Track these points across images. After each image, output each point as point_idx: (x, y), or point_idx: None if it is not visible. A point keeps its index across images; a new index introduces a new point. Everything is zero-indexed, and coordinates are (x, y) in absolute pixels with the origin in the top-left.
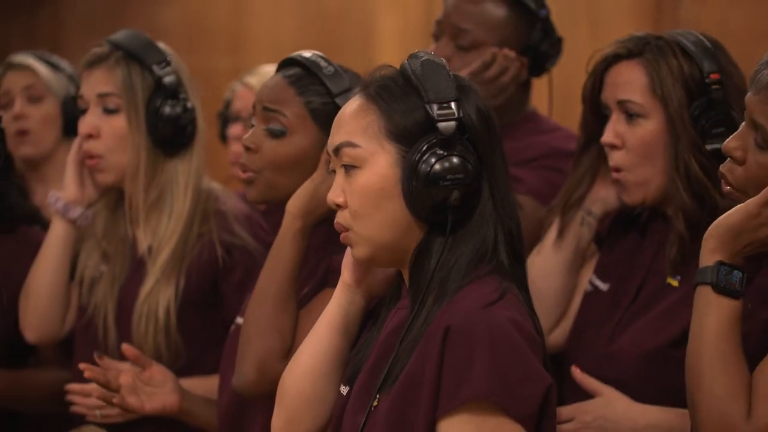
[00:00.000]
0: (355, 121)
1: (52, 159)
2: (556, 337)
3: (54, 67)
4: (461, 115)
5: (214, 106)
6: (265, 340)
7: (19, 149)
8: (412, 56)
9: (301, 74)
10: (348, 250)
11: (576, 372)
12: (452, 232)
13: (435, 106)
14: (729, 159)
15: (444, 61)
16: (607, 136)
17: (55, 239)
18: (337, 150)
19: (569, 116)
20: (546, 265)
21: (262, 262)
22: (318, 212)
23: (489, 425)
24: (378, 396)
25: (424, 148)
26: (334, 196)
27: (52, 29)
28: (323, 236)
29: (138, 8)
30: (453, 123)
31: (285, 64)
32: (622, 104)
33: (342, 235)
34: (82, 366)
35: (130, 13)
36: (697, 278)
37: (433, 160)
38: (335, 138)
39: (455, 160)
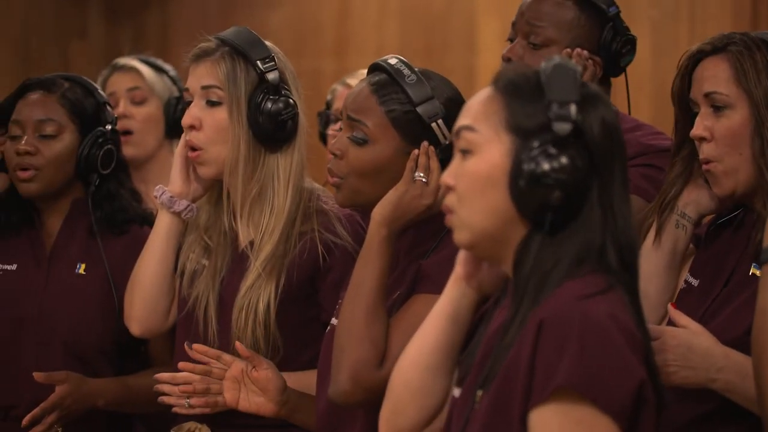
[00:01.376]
0: (480, 107)
1: (154, 159)
2: None
3: (158, 69)
4: (579, 119)
5: (319, 107)
6: (358, 349)
7: (123, 149)
8: (548, 59)
9: (385, 81)
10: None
11: (671, 307)
12: (551, 232)
13: (555, 106)
14: None
15: (578, 68)
16: (696, 129)
17: (161, 232)
18: (458, 132)
19: (669, 120)
20: (646, 266)
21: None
22: (402, 221)
23: (576, 416)
24: (480, 393)
25: (536, 144)
26: (447, 177)
27: (160, 34)
28: (411, 241)
29: (245, 11)
30: (568, 124)
31: (372, 69)
32: (708, 97)
33: (447, 218)
34: (180, 365)
35: (237, 17)
36: (763, 257)
37: (541, 157)
38: (459, 121)
39: (563, 160)
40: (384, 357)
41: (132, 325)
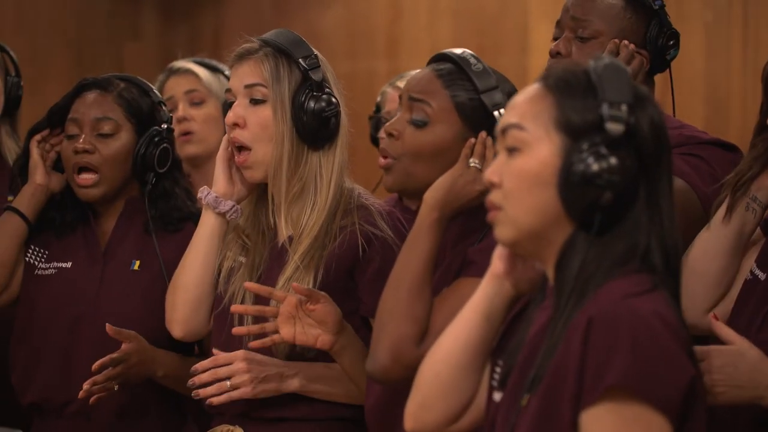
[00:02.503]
0: (528, 105)
1: (214, 159)
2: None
3: (213, 69)
4: (632, 120)
5: (371, 108)
6: (399, 325)
7: (184, 149)
8: (598, 58)
9: (450, 69)
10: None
11: (713, 320)
12: (599, 233)
13: (607, 106)
14: None
15: (628, 68)
16: None
17: (205, 233)
18: (504, 130)
19: (722, 121)
20: (709, 244)
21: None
22: (455, 205)
23: (630, 414)
24: (527, 396)
25: (587, 145)
26: (491, 174)
27: (214, 34)
28: (460, 227)
29: (298, 12)
30: (621, 125)
31: (436, 59)
32: None
33: (490, 214)
34: (233, 308)
35: (290, 18)
36: None
37: (592, 158)
38: (505, 118)
39: (614, 161)
40: (424, 335)
41: (173, 328)
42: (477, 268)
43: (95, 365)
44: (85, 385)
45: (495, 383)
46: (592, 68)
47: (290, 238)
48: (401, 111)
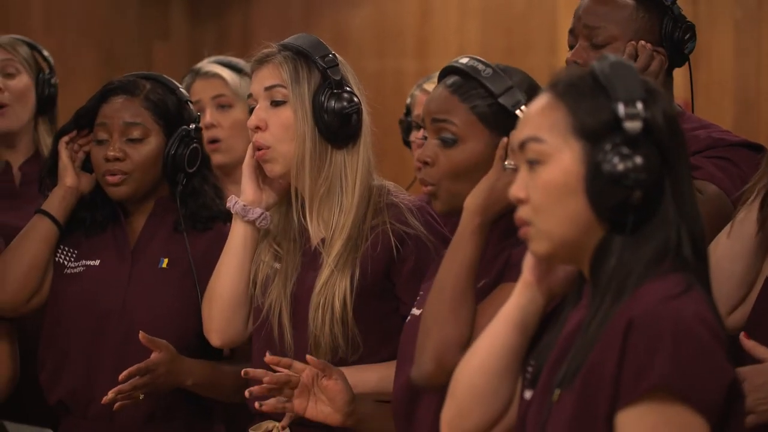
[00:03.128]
0: (541, 117)
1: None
2: (736, 319)
3: (240, 72)
4: (648, 115)
5: (401, 106)
6: (444, 331)
7: (213, 157)
8: (601, 58)
9: (461, 82)
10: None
11: (744, 339)
12: (633, 232)
13: (621, 105)
14: None
15: (633, 64)
16: None
17: (236, 242)
18: (522, 145)
19: (752, 121)
20: (734, 246)
21: (434, 251)
22: (495, 208)
23: (670, 415)
24: (558, 392)
25: (609, 146)
26: (517, 190)
27: (243, 34)
28: (501, 230)
29: (326, 12)
30: (639, 123)
31: (444, 73)
32: None
33: (522, 230)
34: (267, 359)
35: (319, 17)
36: None
37: (617, 159)
38: (521, 133)
39: (639, 160)
40: (468, 341)
41: (212, 337)
42: (520, 272)
43: (122, 375)
44: (110, 393)
45: (526, 382)
46: (597, 69)
47: (323, 241)
48: (428, 135)
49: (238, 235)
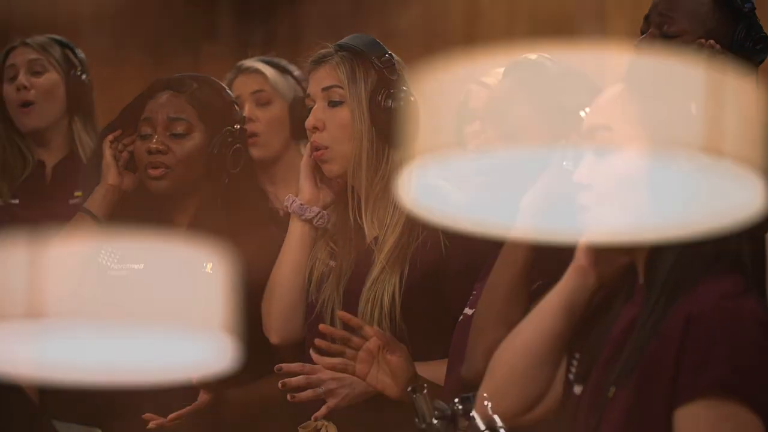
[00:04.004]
0: (613, 105)
1: (281, 160)
2: None
3: (282, 70)
4: None
5: None
6: (496, 331)
7: (250, 151)
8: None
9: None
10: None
11: None
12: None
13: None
14: None
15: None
16: None
17: (294, 240)
18: (591, 131)
19: None
20: None
21: (483, 250)
22: (551, 210)
23: (726, 413)
24: (613, 389)
25: None
26: (582, 176)
27: (290, 34)
28: None
29: (374, 11)
30: None
31: (512, 68)
32: None
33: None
34: (321, 327)
35: (367, 17)
36: None
37: None
38: (591, 119)
39: None
40: None
41: (271, 335)
42: None
43: (168, 419)
44: (152, 425)
45: (573, 376)
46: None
47: (376, 239)
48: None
49: (295, 234)
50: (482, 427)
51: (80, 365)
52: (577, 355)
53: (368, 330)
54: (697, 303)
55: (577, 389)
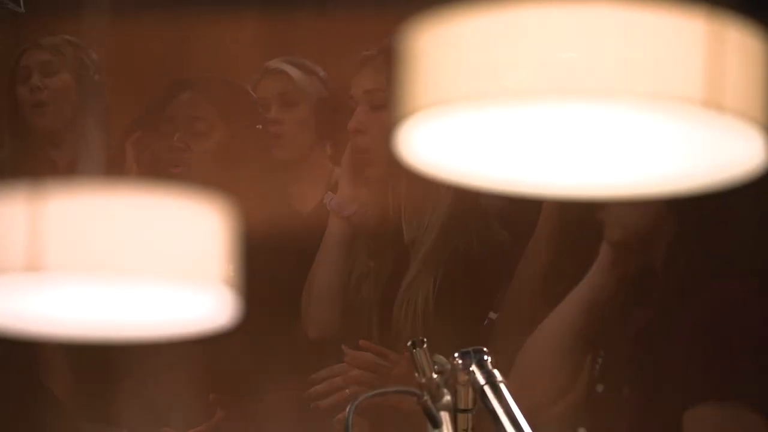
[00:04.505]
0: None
1: (306, 160)
2: None
3: (307, 70)
4: None
5: None
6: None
7: (275, 152)
8: None
9: None
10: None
11: None
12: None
13: None
14: None
15: None
16: None
17: (333, 237)
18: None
19: None
20: None
21: (513, 253)
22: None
23: (735, 414)
24: (628, 388)
25: None
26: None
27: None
28: None
29: None
30: None
31: None
32: None
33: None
34: (362, 343)
35: None
36: None
37: None
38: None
39: None
40: None
41: (309, 330)
42: None
43: None
44: None
45: (596, 373)
46: None
47: (413, 241)
48: None
49: (334, 231)
50: (482, 381)
51: (79, 319)
52: (602, 352)
53: (392, 357)
54: (708, 306)
55: (600, 387)
